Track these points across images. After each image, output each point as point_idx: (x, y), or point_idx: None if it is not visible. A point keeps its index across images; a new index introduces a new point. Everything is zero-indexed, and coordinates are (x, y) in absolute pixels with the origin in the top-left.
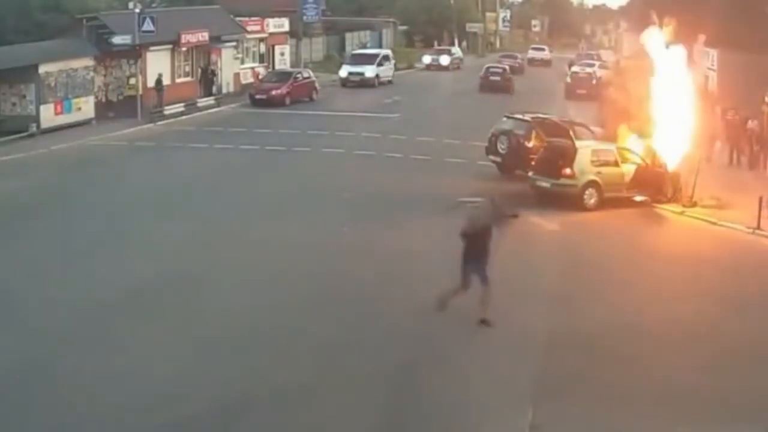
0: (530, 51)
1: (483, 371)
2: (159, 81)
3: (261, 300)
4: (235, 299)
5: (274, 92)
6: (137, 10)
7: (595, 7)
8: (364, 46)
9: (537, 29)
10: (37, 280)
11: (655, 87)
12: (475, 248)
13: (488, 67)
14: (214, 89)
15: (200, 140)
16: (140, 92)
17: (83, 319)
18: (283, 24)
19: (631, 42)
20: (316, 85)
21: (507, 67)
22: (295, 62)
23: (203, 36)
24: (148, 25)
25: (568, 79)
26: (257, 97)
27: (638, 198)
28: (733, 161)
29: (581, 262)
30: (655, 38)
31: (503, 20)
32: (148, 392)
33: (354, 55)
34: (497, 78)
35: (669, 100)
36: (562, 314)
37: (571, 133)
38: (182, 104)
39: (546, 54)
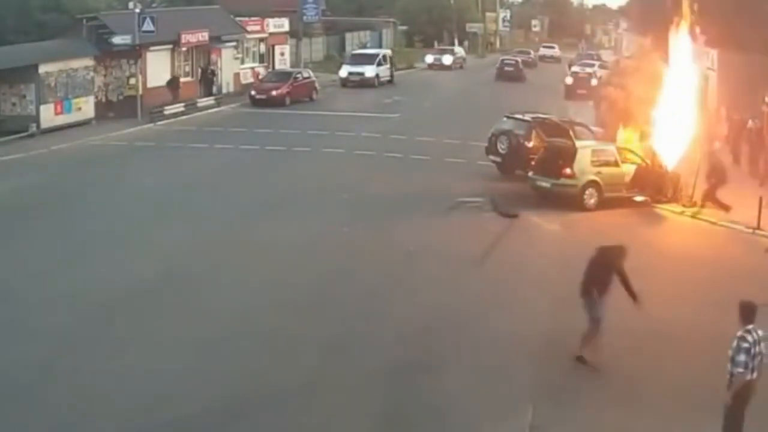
0: (541, 48)
1: (483, 371)
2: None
3: (261, 300)
4: (235, 299)
5: (274, 92)
6: (137, 10)
7: (595, 7)
8: (364, 46)
9: (537, 29)
10: (37, 280)
11: (662, 86)
12: (595, 283)
13: (503, 59)
14: (214, 89)
15: (200, 140)
16: (140, 92)
17: (83, 319)
18: (283, 24)
19: (630, 42)
20: (316, 85)
21: (519, 60)
22: (295, 62)
23: (203, 36)
24: (148, 25)
25: (568, 80)
26: (257, 97)
27: (638, 198)
28: (733, 161)
29: (581, 262)
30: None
31: (503, 20)
32: (148, 392)
33: (354, 55)
34: (511, 68)
35: (673, 99)
36: (562, 314)
37: (571, 133)
38: (182, 104)
39: (556, 51)
